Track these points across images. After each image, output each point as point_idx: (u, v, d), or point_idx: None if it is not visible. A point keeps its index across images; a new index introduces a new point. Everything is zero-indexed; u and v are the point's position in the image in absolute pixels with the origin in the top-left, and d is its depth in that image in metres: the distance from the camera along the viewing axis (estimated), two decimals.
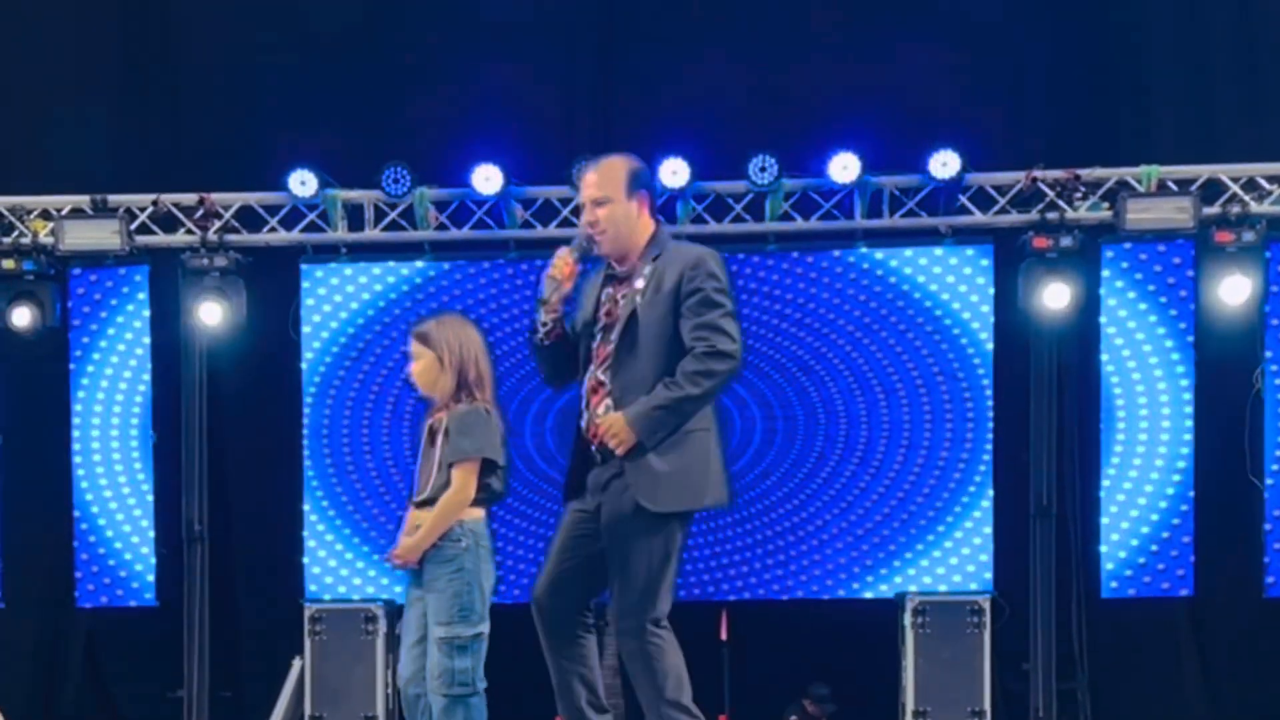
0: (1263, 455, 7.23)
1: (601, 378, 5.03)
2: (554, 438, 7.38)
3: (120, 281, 7.56)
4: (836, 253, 7.37)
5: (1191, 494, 7.25)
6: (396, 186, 7.29)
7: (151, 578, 7.61)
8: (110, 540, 7.63)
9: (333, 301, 7.52)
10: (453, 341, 5.35)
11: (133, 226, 7.45)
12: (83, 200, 7.48)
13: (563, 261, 5.04)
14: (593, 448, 5.02)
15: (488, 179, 7.24)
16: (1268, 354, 7.21)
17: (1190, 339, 7.23)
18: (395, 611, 6.94)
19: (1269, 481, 7.23)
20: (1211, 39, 7.62)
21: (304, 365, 7.53)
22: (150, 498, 7.59)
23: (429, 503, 5.24)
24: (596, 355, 5.05)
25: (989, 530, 7.35)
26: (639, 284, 5.01)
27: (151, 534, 7.59)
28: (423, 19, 7.67)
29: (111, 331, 7.58)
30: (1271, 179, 7.19)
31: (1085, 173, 7.20)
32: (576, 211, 7.29)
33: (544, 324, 5.09)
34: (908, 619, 7.28)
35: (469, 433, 5.27)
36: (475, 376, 5.34)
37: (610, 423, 4.91)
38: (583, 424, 5.06)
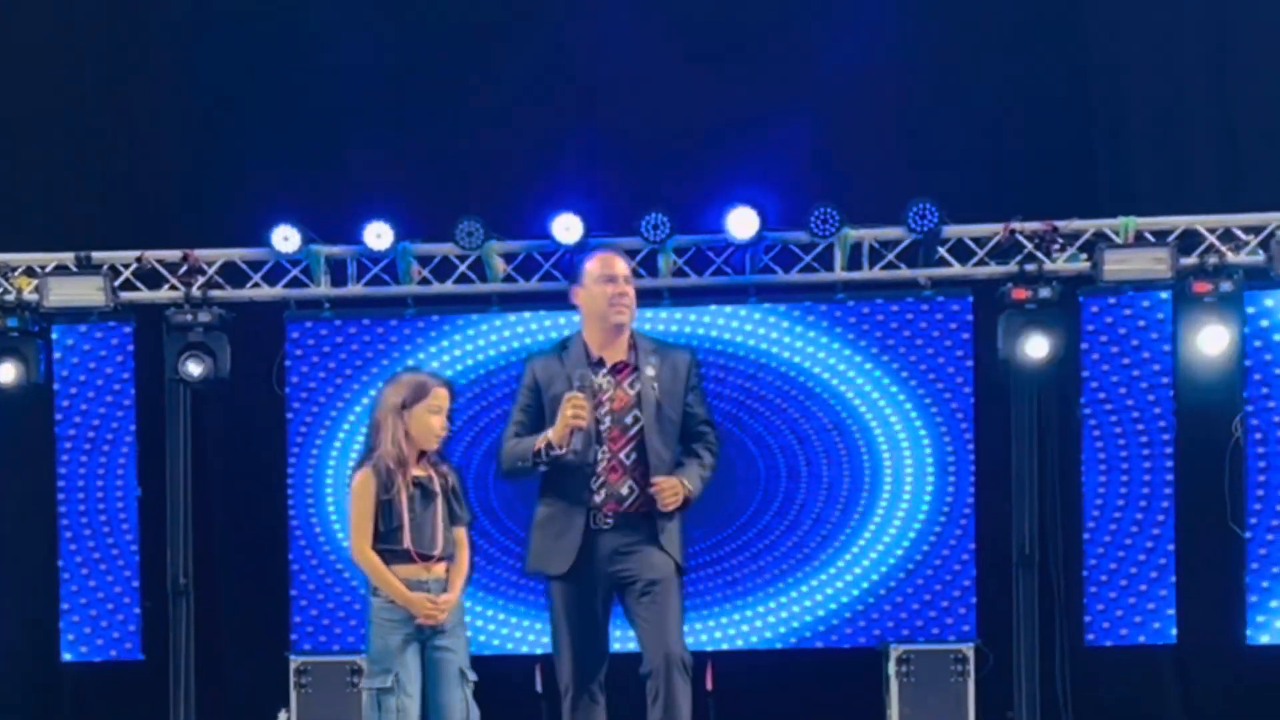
0: (1243, 503, 7.24)
1: (624, 460, 5.76)
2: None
3: (105, 337, 7.58)
4: (817, 305, 7.40)
5: (1173, 542, 7.27)
6: (379, 241, 7.34)
7: (137, 631, 7.61)
8: (95, 594, 7.63)
9: (317, 355, 7.55)
10: None
11: (117, 283, 7.48)
12: (67, 257, 7.50)
13: (585, 409, 5.65)
14: (597, 517, 5.71)
15: (469, 234, 7.28)
16: (1246, 402, 7.24)
17: (1170, 388, 7.26)
18: None
19: (1249, 530, 7.25)
20: (1187, 92, 7.69)
21: (289, 419, 7.55)
22: (135, 552, 7.60)
23: (441, 559, 5.54)
24: (608, 438, 5.74)
25: (972, 579, 7.37)
26: (649, 374, 5.79)
27: (137, 587, 7.59)
28: (408, 72, 7.73)
29: (98, 385, 7.59)
30: (1248, 230, 7.23)
31: (1063, 224, 7.24)
32: (559, 265, 7.41)
33: (544, 453, 5.70)
34: (892, 668, 7.30)
35: (467, 497, 5.79)
36: None
37: (671, 485, 5.74)
38: (599, 500, 5.71)
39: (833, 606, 7.45)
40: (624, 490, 5.77)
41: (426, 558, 5.50)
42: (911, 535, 7.41)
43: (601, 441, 5.73)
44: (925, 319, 7.37)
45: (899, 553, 7.42)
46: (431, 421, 5.56)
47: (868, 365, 7.39)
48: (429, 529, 5.51)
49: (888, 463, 7.42)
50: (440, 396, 5.62)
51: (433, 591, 5.52)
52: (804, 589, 7.48)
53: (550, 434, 5.72)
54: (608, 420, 5.76)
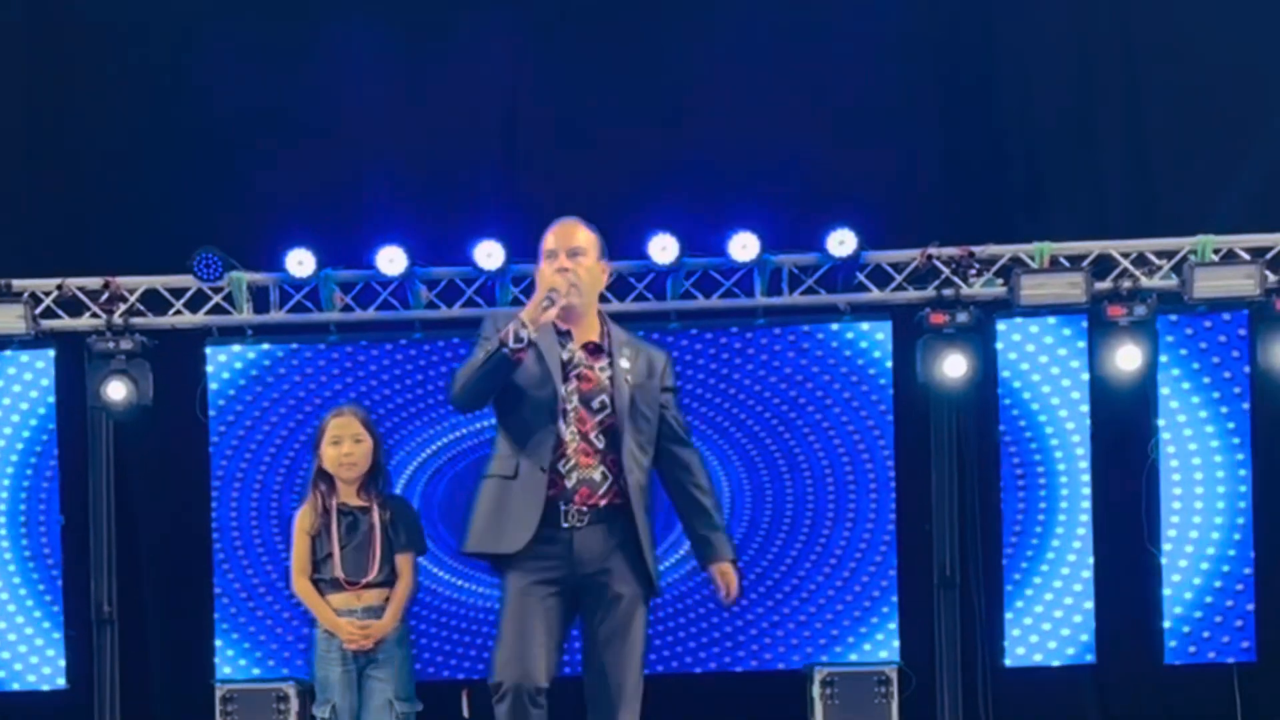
0: (1158, 524, 7.35)
1: (595, 442, 5.21)
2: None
3: (25, 366, 7.54)
4: (737, 330, 7.46)
5: (1091, 562, 7.36)
6: (301, 268, 7.35)
7: (61, 660, 7.56)
8: (18, 622, 7.58)
9: (240, 383, 7.54)
10: (377, 430, 5.78)
11: (37, 311, 7.44)
12: None
13: (561, 279, 5.15)
14: (569, 511, 5.15)
15: (391, 260, 7.30)
16: (1161, 425, 7.35)
17: (1086, 411, 7.35)
18: (307, 690, 6.96)
19: (1165, 549, 7.35)
20: (1100, 118, 7.79)
21: (212, 447, 7.54)
22: (58, 580, 7.55)
23: (372, 585, 5.63)
24: (575, 415, 5.19)
25: (895, 601, 7.43)
26: (624, 364, 5.26)
27: (60, 615, 7.55)
28: (324, 98, 7.74)
29: (17, 416, 7.55)
30: (1161, 254, 7.33)
31: (979, 250, 7.33)
32: (481, 292, 7.44)
33: (521, 339, 5.09)
34: (815, 690, 7.34)
35: (414, 525, 5.85)
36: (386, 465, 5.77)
37: (735, 578, 5.37)
38: (570, 485, 5.16)
39: (761, 627, 7.48)
40: (597, 476, 5.22)
41: (354, 584, 5.65)
42: (833, 558, 7.47)
43: (568, 420, 5.20)
44: (845, 344, 7.44)
45: (821, 576, 7.47)
46: (328, 453, 5.74)
47: (785, 387, 7.44)
48: (363, 557, 5.67)
49: (810, 487, 7.47)
50: (334, 426, 5.77)
51: (360, 619, 5.67)
52: (732, 611, 7.50)
53: (522, 313, 5.16)
54: (575, 398, 5.22)
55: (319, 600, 5.74)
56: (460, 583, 7.52)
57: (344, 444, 5.74)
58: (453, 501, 7.39)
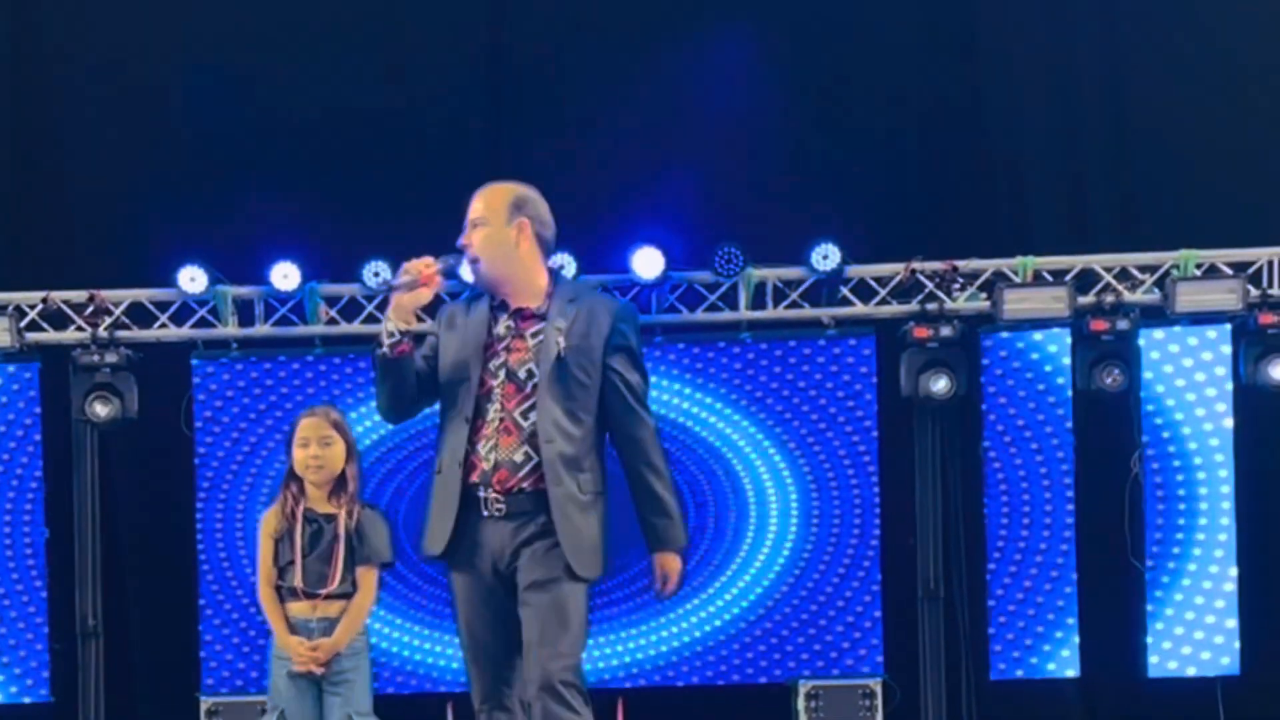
0: (1143, 538, 7.36)
1: (520, 420, 4.75)
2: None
3: (10, 379, 7.54)
4: (722, 344, 7.48)
5: (1075, 577, 7.37)
6: (286, 282, 7.36)
7: (46, 673, 7.55)
8: (3, 636, 7.58)
9: (226, 395, 7.55)
10: (351, 434, 5.51)
11: (22, 324, 7.45)
12: None
13: (424, 264, 4.79)
14: (487, 499, 4.70)
15: (376, 274, 7.29)
16: (1144, 439, 7.36)
17: (1069, 425, 7.37)
18: None
19: (1149, 563, 7.36)
20: (1083, 133, 7.84)
21: (197, 460, 7.54)
22: (43, 593, 7.55)
23: (333, 597, 5.38)
24: (501, 393, 4.77)
25: (879, 614, 7.44)
26: (560, 324, 4.76)
27: (45, 629, 7.54)
28: (308, 113, 7.75)
29: (2, 429, 7.55)
30: (1143, 269, 7.35)
31: (963, 264, 7.35)
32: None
33: (391, 333, 4.75)
34: (801, 703, 7.36)
35: (380, 536, 5.48)
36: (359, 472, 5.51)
37: (676, 567, 4.84)
38: (487, 467, 4.72)
39: (745, 640, 7.48)
40: (518, 457, 4.72)
41: (312, 596, 5.39)
42: (818, 572, 7.48)
43: (492, 399, 4.75)
44: (829, 358, 7.46)
45: (806, 589, 7.48)
46: (296, 455, 5.44)
47: (769, 401, 7.45)
48: (325, 567, 5.39)
49: (794, 500, 7.49)
50: (305, 427, 5.45)
51: (315, 632, 5.41)
52: (716, 625, 7.52)
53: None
54: (501, 374, 4.76)
55: (278, 614, 5.43)
56: (426, 587, 7.52)
57: (311, 446, 5.41)
58: (412, 512, 7.41)
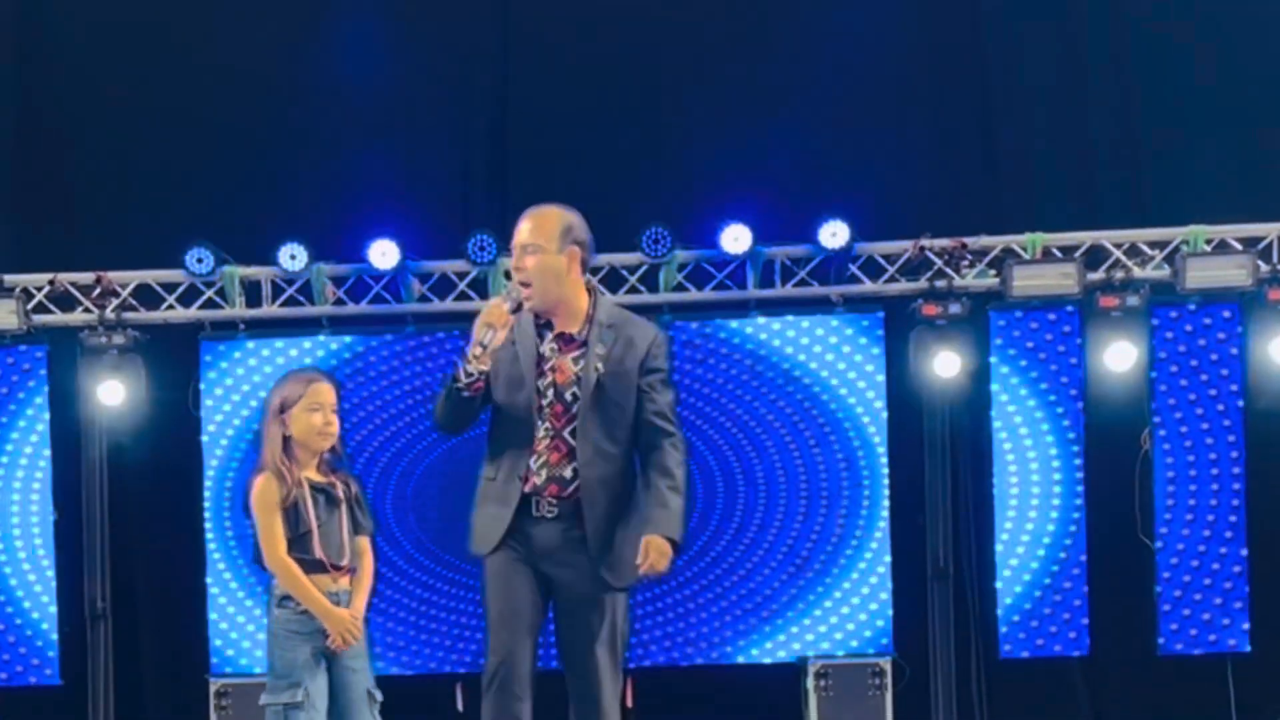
0: (1153, 516, 7.34)
1: (568, 438, 5.07)
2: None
3: (19, 361, 7.53)
4: (731, 322, 7.45)
5: (1084, 555, 7.35)
6: (293, 263, 7.35)
7: (55, 655, 7.55)
8: (12, 618, 7.58)
9: (233, 377, 7.53)
10: None
11: (30, 306, 7.44)
12: None
13: (499, 310, 5.00)
14: (540, 502, 5.04)
15: (384, 254, 7.29)
16: (1154, 416, 7.34)
17: (1079, 402, 7.35)
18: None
19: (1159, 542, 7.34)
20: (1092, 109, 7.81)
21: (204, 440, 7.53)
22: (52, 576, 7.54)
23: (347, 570, 5.28)
24: (550, 413, 5.06)
25: (888, 593, 7.42)
26: (600, 350, 5.05)
27: (54, 612, 7.54)
28: (315, 93, 7.74)
29: (11, 410, 7.55)
30: (1153, 245, 7.33)
31: (971, 241, 7.33)
32: (474, 285, 7.44)
33: (470, 374, 5.00)
34: (810, 682, 7.35)
35: (369, 506, 5.45)
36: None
37: (662, 549, 4.98)
38: (539, 481, 5.03)
39: (754, 620, 7.47)
40: (567, 474, 5.07)
41: (337, 568, 5.22)
42: (827, 550, 7.47)
43: (543, 417, 5.06)
44: (837, 335, 7.44)
45: (815, 568, 7.47)
46: (313, 420, 5.24)
47: (778, 379, 7.43)
48: (336, 537, 5.22)
49: (803, 478, 7.47)
50: (319, 392, 5.27)
51: (342, 604, 5.23)
52: (724, 604, 7.52)
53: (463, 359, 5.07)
54: (550, 394, 5.07)
55: (307, 582, 5.16)
56: (439, 569, 7.53)
57: (324, 412, 5.25)
58: (425, 493, 7.43)
